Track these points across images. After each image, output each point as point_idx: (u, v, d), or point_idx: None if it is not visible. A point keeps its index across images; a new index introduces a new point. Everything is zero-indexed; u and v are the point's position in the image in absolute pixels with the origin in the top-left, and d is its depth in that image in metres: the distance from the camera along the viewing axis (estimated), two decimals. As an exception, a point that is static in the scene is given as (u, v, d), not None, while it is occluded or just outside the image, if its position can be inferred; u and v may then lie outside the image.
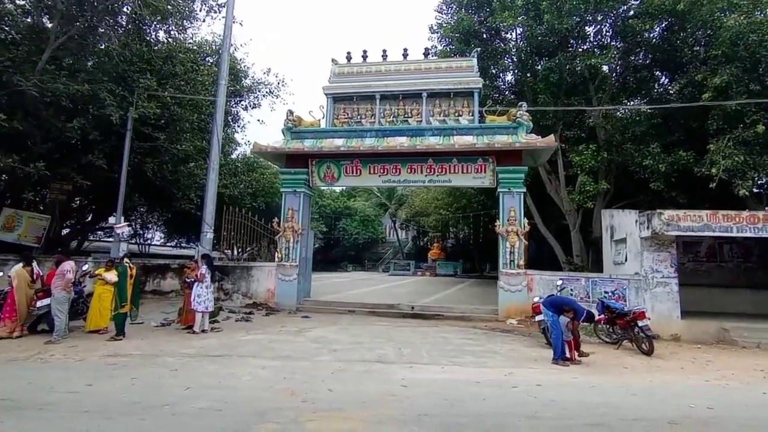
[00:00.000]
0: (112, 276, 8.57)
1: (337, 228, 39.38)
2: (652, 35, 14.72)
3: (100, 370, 6.11)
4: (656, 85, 16.48)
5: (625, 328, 8.62)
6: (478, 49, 14.57)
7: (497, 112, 13.22)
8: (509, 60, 17.00)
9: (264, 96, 19.78)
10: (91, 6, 11.33)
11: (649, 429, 4.56)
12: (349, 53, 13.83)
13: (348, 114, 13.35)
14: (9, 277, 8.50)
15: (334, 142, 12.87)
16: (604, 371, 6.96)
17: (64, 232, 17.29)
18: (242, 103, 19.83)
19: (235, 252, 16.14)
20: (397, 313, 12.18)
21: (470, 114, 12.70)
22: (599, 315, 8.74)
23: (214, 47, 17.80)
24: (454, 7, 16.97)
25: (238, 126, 20.70)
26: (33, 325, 8.56)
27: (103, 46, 12.49)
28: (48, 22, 12.03)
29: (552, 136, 12.29)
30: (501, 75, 17.90)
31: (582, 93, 15.99)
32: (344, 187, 38.65)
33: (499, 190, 12.05)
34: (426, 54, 13.78)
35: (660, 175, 13.36)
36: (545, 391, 5.64)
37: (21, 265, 8.58)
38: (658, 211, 10.01)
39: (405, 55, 13.58)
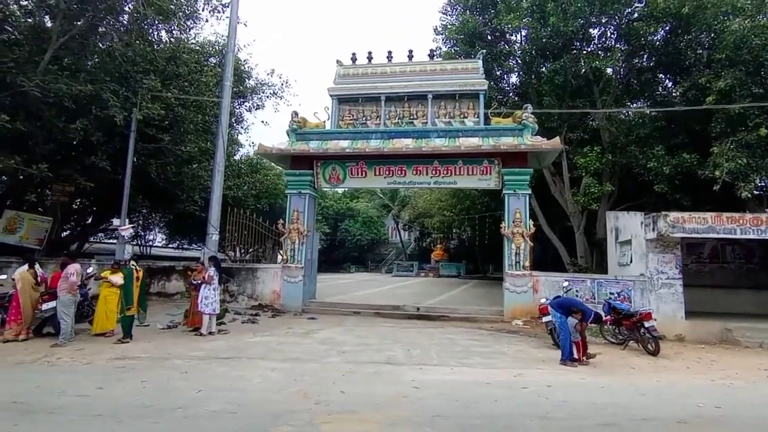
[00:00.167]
0: (118, 279, 8.53)
1: (339, 229, 39.37)
2: (656, 38, 14.78)
3: (109, 374, 6.08)
4: (660, 87, 16.55)
5: (631, 328, 8.64)
6: (484, 50, 14.60)
7: (502, 114, 13.25)
8: (514, 62, 17.03)
9: (268, 97, 19.75)
10: (92, 4, 11.28)
11: (659, 429, 4.59)
12: (354, 54, 13.85)
13: (353, 115, 13.36)
14: (13, 279, 8.47)
15: (340, 143, 12.87)
16: (612, 372, 6.99)
17: (64, 234, 17.22)
18: (246, 104, 19.80)
19: (238, 253, 16.13)
20: (402, 315, 12.18)
21: (475, 116, 12.72)
22: (606, 316, 8.77)
23: (217, 47, 17.78)
24: (459, 8, 17.00)
25: (242, 127, 20.69)
26: (38, 328, 8.53)
27: (105, 46, 12.47)
28: (49, 21, 12.01)
29: (557, 138, 12.32)
30: (505, 77, 17.95)
31: (586, 95, 16.02)
32: (348, 189, 38.66)
33: (504, 191, 12.07)
34: (431, 55, 13.82)
35: (664, 177, 13.40)
36: (555, 392, 5.65)
37: (26, 267, 8.55)
38: (664, 213, 10.06)
39: (410, 57, 13.61)
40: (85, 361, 6.78)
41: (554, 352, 7.84)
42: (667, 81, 16.43)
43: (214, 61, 17.27)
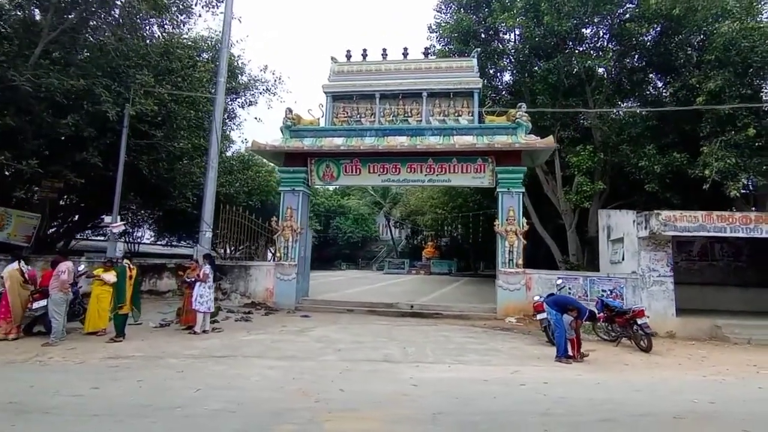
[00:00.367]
0: (110, 277, 8.41)
1: (330, 226, 39.25)
2: (647, 39, 14.93)
3: (102, 373, 5.99)
4: (651, 87, 16.75)
5: (624, 325, 8.77)
6: (478, 49, 14.62)
7: (496, 112, 13.30)
8: (507, 60, 17.10)
9: (261, 93, 19.60)
10: (84, -3, 11.09)
11: (656, 424, 4.67)
12: (348, 52, 13.78)
13: (347, 113, 13.30)
14: (1, 278, 8.29)
15: (334, 141, 12.81)
16: (606, 368, 7.10)
17: (50, 230, 16.90)
18: (238, 100, 19.61)
19: (228, 250, 15.97)
20: (396, 312, 12.20)
21: (470, 114, 12.75)
22: (599, 313, 8.88)
23: (210, 43, 17.57)
24: (454, 6, 17.00)
25: (234, 124, 20.50)
26: (29, 326, 8.36)
27: (97, 41, 12.24)
28: (40, 15, 11.75)
29: (551, 137, 12.42)
30: (499, 75, 18.00)
31: (579, 94, 16.15)
32: (341, 186, 38.53)
33: (498, 189, 12.14)
34: (426, 54, 13.80)
35: (655, 176, 13.59)
36: (553, 389, 5.72)
37: (15, 265, 8.37)
38: (656, 211, 10.23)
39: (405, 55, 13.58)
40: (78, 360, 6.67)
41: (549, 349, 7.92)
42: (658, 81, 16.62)
43: (207, 57, 17.07)
